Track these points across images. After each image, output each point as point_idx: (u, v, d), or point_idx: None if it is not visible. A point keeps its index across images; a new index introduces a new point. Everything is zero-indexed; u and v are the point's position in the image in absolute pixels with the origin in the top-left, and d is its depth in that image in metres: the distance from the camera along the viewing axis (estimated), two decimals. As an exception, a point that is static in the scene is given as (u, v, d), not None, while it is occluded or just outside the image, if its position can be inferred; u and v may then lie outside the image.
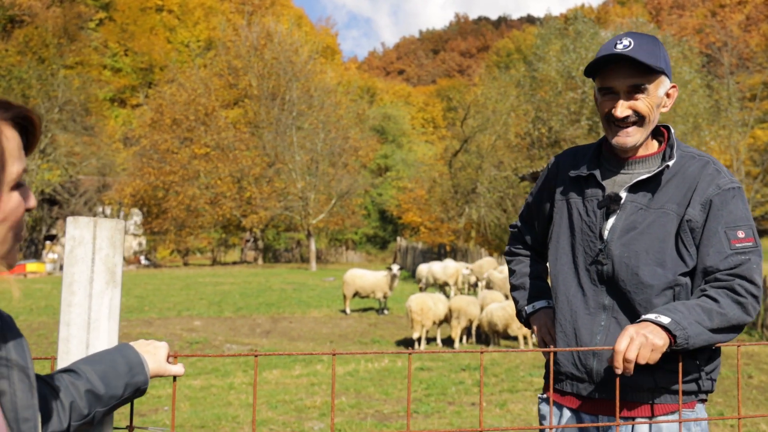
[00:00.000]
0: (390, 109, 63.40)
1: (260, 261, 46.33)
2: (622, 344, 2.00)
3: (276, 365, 11.05)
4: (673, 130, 2.35)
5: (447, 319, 12.76)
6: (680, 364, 2.09)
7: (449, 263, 21.03)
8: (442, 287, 20.52)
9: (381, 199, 54.66)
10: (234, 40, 48.45)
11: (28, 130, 1.28)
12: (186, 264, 46.22)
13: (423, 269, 21.24)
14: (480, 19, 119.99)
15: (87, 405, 1.51)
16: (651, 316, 2.06)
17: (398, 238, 40.09)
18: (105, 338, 1.71)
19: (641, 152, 2.31)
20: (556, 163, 2.53)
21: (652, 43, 2.22)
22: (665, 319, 2.03)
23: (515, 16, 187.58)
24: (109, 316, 1.73)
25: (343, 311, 17.31)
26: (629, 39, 2.19)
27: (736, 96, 40.24)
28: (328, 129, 41.30)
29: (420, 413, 7.87)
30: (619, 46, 2.18)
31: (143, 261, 45.17)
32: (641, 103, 2.20)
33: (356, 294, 17.19)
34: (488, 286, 16.37)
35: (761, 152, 44.23)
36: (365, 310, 18.17)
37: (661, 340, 2.00)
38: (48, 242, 42.33)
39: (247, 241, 50.71)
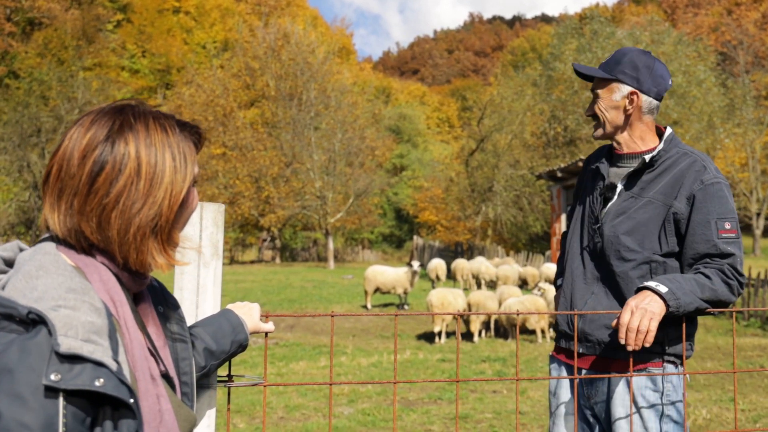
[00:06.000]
0: (405, 109, 63.72)
1: (278, 260, 46.76)
2: (624, 317, 2.37)
3: (302, 357, 11.44)
4: (669, 131, 2.73)
5: (466, 314, 13.11)
6: (683, 325, 2.45)
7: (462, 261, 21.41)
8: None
9: (397, 198, 54.98)
10: (251, 41, 48.87)
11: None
12: (204, 263, 46.67)
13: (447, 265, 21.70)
14: (494, 18, 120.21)
15: (204, 359, 1.87)
16: (651, 284, 2.42)
17: (415, 237, 40.43)
18: (211, 300, 2.09)
19: (639, 148, 2.71)
20: (588, 159, 2.98)
21: (616, 57, 2.69)
22: (663, 288, 2.39)
23: (529, 15, 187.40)
24: (214, 282, 2.10)
25: (364, 306, 17.68)
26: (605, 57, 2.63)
27: (751, 94, 40.27)
28: (345, 129, 41.69)
29: (444, 399, 8.24)
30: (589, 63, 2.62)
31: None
32: (597, 105, 2.73)
33: (377, 290, 17.54)
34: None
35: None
36: (386, 305, 18.55)
37: (658, 308, 2.36)
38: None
39: (264, 240, 51.20)
